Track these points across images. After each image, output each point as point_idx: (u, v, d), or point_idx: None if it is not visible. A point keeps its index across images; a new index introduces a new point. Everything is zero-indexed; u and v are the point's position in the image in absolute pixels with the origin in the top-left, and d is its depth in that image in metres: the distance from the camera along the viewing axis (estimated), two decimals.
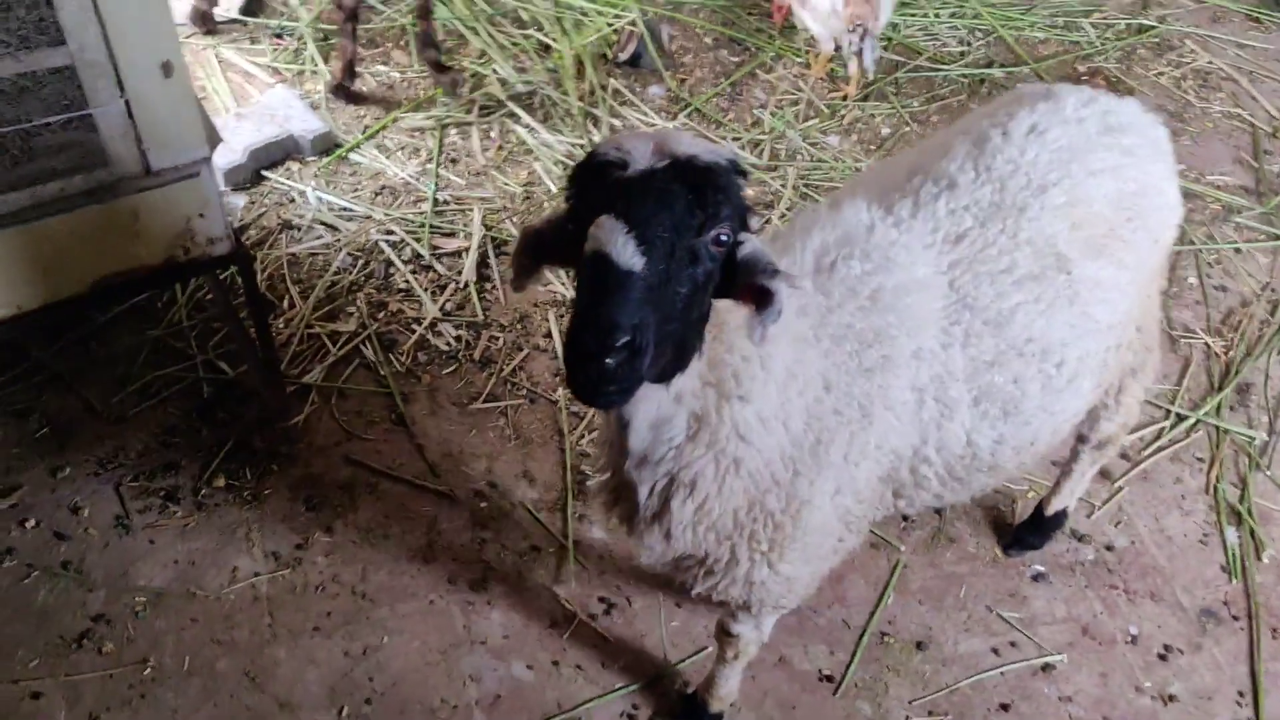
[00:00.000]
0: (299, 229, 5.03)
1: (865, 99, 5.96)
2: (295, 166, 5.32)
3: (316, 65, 5.82)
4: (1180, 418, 4.65)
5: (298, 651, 3.72)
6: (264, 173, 5.26)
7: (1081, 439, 3.87)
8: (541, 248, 2.35)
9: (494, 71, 5.87)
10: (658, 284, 2.03)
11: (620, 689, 3.70)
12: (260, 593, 3.86)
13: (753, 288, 2.21)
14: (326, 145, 5.41)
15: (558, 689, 3.71)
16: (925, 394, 2.76)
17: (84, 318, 4.55)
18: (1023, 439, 2.94)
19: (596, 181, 2.14)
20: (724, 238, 2.14)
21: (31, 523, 3.96)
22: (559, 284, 4.90)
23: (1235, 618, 4.07)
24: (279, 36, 6.04)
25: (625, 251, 2.00)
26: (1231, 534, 4.29)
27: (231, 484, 4.13)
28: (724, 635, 3.32)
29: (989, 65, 6.25)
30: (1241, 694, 3.88)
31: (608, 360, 1.96)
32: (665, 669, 3.76)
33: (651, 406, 2.40)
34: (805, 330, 2.63)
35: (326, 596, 3.87)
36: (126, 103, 3.14)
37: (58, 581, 3.83)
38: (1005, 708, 3.77)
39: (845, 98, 5.92)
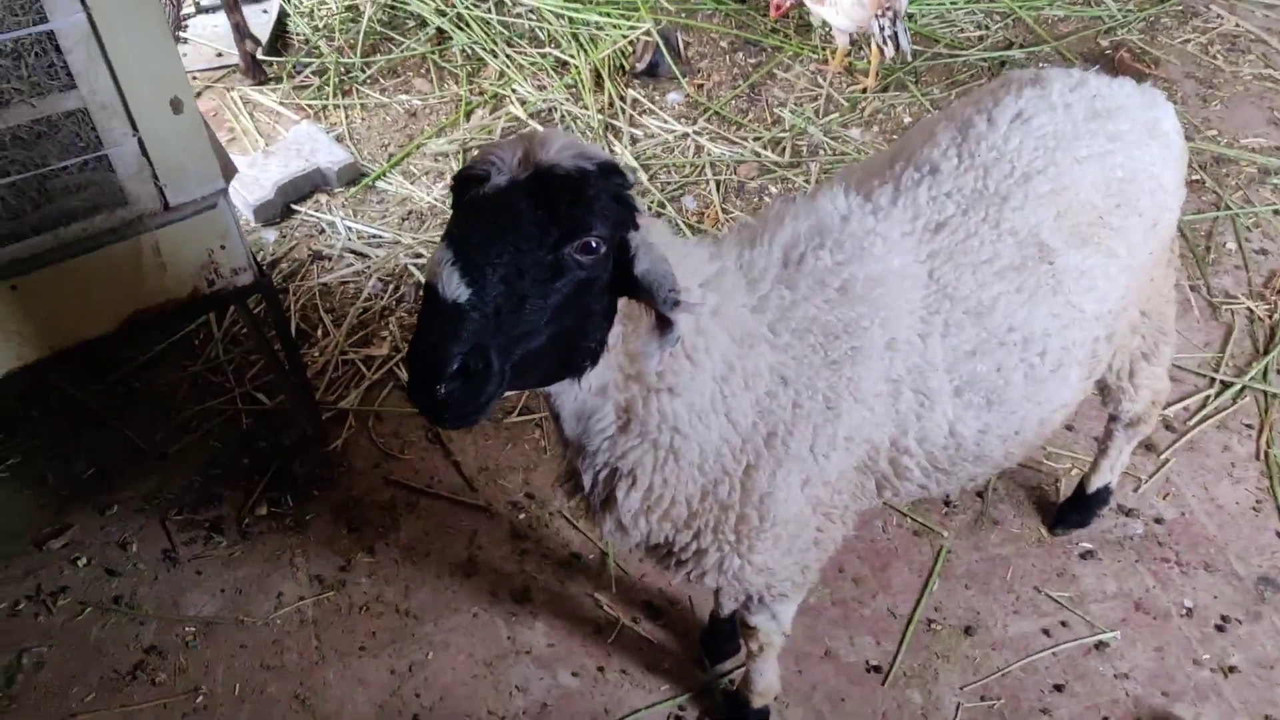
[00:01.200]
0: (329, 259, 5.11)
1: (885, 90, 5.93)
2: (323, 198, 5.41)
3: (339, 99, 5.92)
4: (1225, 385, 4.55)
5: (346, 673, 3.76)
6: (293, 206, 5.35)
7: (1113, 418, 3.81)
8: None
9: (513, 92, 5.92)
10: (499, 309, 2.03)
11: (667, 700, 3.68)
12: (307, 616, 3.91)
13: (654, 310, 2.23)
14: (352, 175, 5.49)
15: (605, 695, 3.71)
16: (902, 385, 2.71)
17: (123, 358, 4.65)
18: (1008, 428, 2.89)
19: (459, 199, 2.16)
20: (593, 245, 2.12)
21: (83, 560, 4.04)
22: None
23: None
24: (299, 71, 6.15)
25: (450, 283, 1.99)
26: None
27: (274, 511, 4.19)
28: (745, 628, 3.30)
29: (1008, 47, 6.20)
30: None
31: (439, 388, 1.99)
32: (710, 677, 3.74)
33: (571, 399, 2.42)
34: (757, 326, 2.58)
35: (371, 616, 3.91)
36: (140, 141, 3.21)
37: (110, 616, 3.90)
38: (1059, 689, 3.71)
39: (865, 90, 5.89)
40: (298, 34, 6.37)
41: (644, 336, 2.32)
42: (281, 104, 5.95)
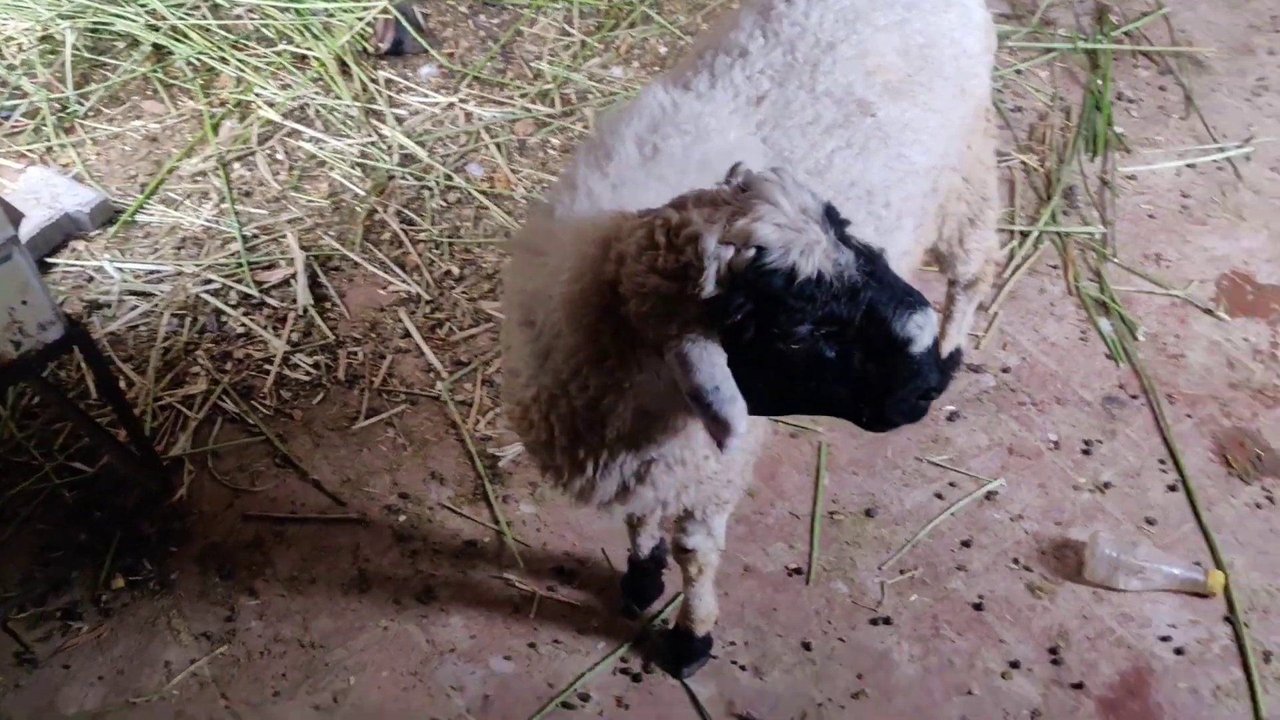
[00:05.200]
0: (109, 306, 4.66)
1: (633, 25, 5.93)
2: (81, 245, 4.92)
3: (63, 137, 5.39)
4: (1024, 234, 4.84)
5: None
6: (48, 260, 4.85)
7: (951, 283, 3.99)
8: None
9: (256, 95, 5.57)
10: None
11: (608, 657, 3.61)
12: (205, 677, 3.59)
13: None
14: (108, 215, 5.02)
15: (544, 670, 3.59)
16: None
17: None
18: None
19: (818, 298, 2.04)
20: None
21: None
22: (400, 282, 4.70)
23: (1134, 397, 4.29)
24: (6, 118, 5.56)
25: (926, 329, 2.13)
26: (1105, 324, 4.51)
27: (133, 580, 3.81)
28: (682, 554, 3.27)
29: None
30: (1162, 461, 4.10)
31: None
32: (644, 623, 3.69)
33: None
34: None
35: (275, 658, 3.63)
36: None
37: None
38: (966, 544, 3.87)
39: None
40: None
41: None
42: None
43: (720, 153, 2.65)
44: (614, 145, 2.68)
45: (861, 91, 2.88)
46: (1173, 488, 4.02)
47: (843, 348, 2.10)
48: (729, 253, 1.97)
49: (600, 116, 2.92)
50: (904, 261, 3.14)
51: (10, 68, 5.74)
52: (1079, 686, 3.55)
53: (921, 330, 2.12)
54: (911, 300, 2.12)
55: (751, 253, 1.97)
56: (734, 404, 2.02)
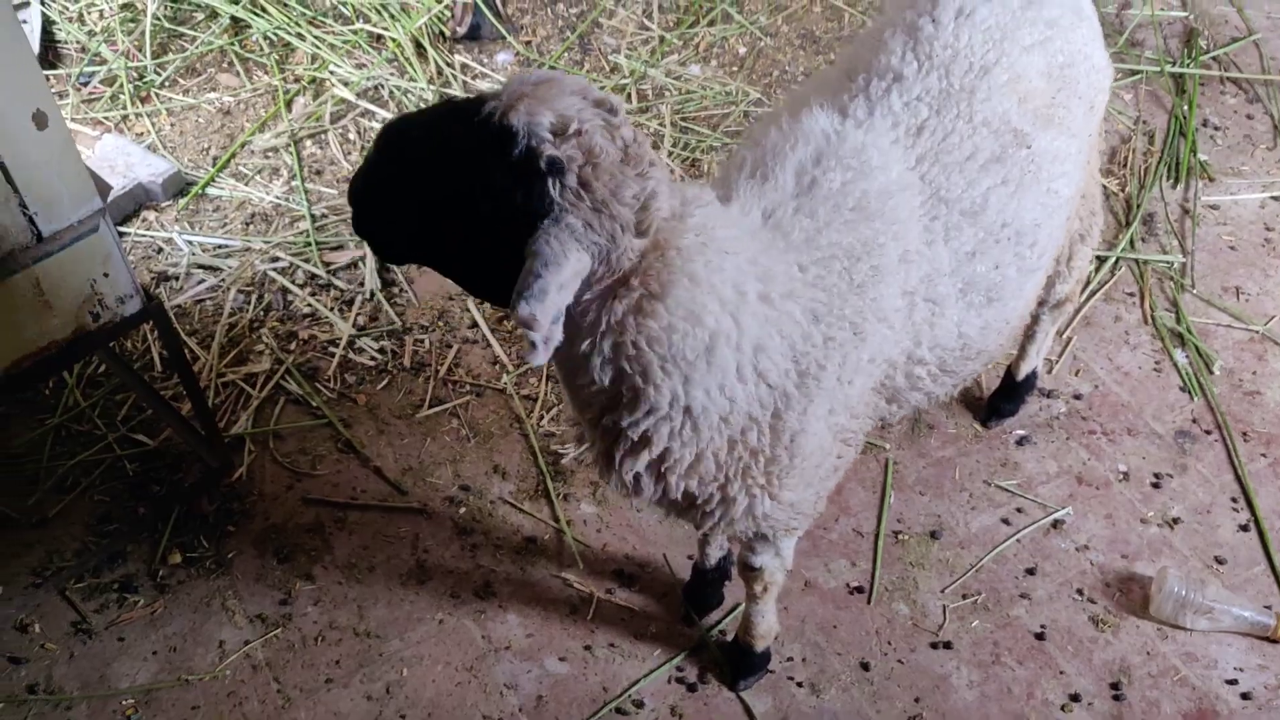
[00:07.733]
0: (176, 278, 4.67)
1: (712, 24, 5.87)
2: (152, 215, 4.93)
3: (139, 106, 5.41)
4: (1101, 260, 4.75)
5: (317, 710, 3.47)
6: (120, 229, 4.86)
7: (1040, 303, 3.91)
8: None
9: (331, 73, 5.56)
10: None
11: (664, 665, 3.57)
12: (258, 660, 3.58)
13: None
14: (179, 186, 5.03)
15: (598, 673, 3.56)
16: (916, 296, 2.69)
17: None
18: (1003, 320, 2.93)
19: None
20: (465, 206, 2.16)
21: None
22: None
23: (1207, 432, 4.19)
24: (85, 84, 5.59)
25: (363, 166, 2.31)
26: (1180, 356, 4.42)
27: (190, 556, 3.82)
28: (747, 571, 3.22)
29: None
30: (1235, 500, 4.01)
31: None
32: (702, 633, 3.65)
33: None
34: (792, 273, 2.47)
35: (329, 645, 3.62)
36: (1, 165, 2.80)
37: (28, 708, 3.47)
38: (1031, 572, 3.80)
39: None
40: (71, 42, 5.77)
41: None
42: (73, 120, 5.38)
43: (879, 191, 2.61)
44: (774, 169, 2.64)
45: (1016, 120, 2.81)
46: (1244, 527, 3.93)
47: None
48: None
49: (755, 132, 2.87)
50: (1034, 296, 3.09)
51: (91, 34, 5.76)
52: None
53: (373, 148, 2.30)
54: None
55: None
56: None
